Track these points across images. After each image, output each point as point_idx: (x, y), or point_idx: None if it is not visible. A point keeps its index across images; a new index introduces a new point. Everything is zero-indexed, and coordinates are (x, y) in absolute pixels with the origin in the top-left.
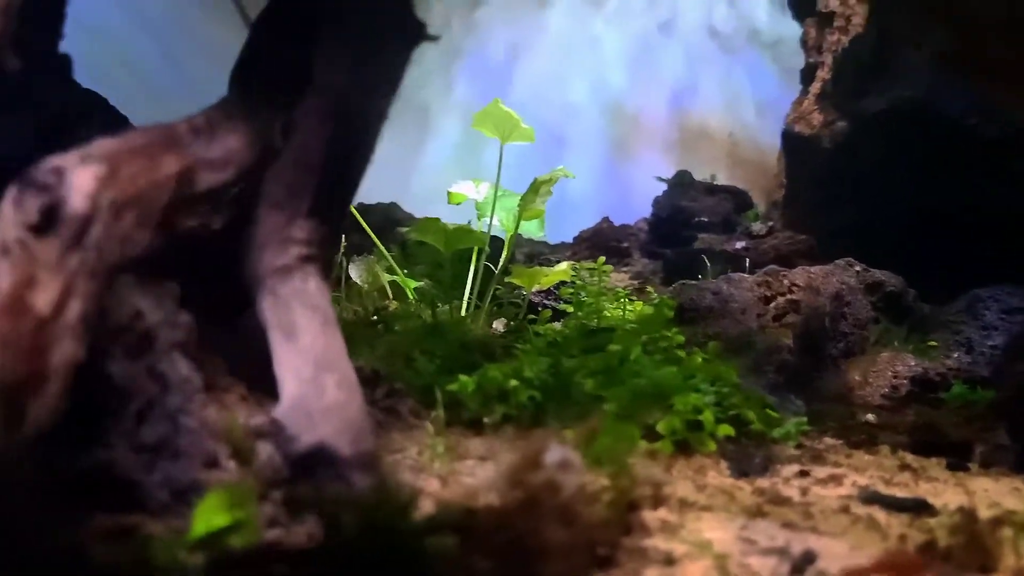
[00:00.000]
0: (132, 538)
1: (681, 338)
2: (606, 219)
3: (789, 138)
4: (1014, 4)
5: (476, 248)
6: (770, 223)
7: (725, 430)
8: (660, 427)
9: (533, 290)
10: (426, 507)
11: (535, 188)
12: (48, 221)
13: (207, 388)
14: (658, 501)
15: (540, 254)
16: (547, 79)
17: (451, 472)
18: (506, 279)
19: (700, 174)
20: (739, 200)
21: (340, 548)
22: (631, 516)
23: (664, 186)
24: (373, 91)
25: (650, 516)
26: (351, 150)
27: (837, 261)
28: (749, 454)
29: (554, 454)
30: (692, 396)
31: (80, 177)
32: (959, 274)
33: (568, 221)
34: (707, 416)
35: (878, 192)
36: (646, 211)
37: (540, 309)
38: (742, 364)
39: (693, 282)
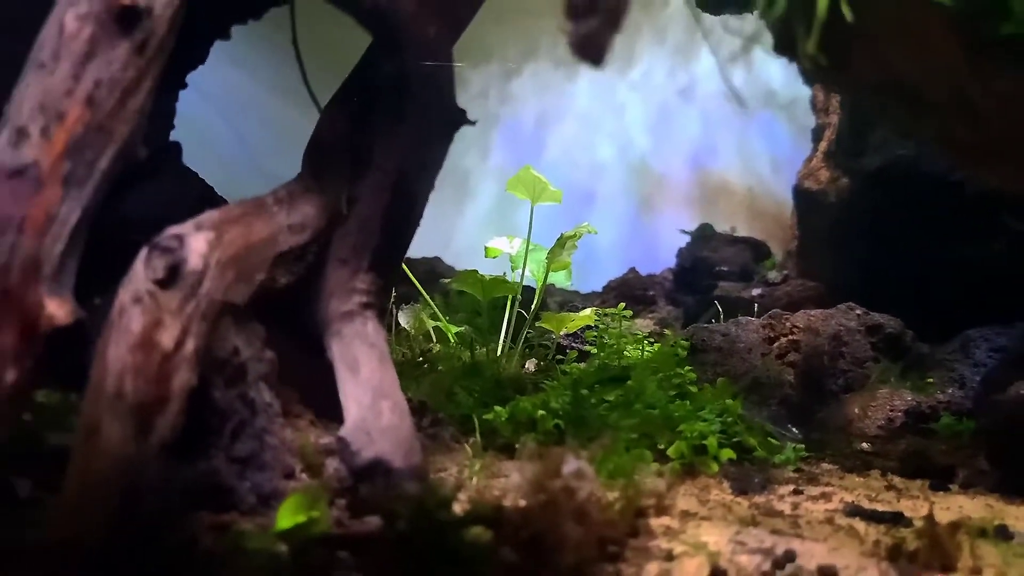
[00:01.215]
0: (229, 531)
1: (693, 375)
2: (632, 269)
3: (799, 193)
4: (956, 86)
5: (510, 296)
6: (785, 272)
7: (727, 454)
8: (670, 451)
9: (561, 333)
10: (463, 508)
11: (561, 243)
12: (171, 277)
13: (284, 413)
14: (662, 510)
15: (570, 302)
16: (576, 142)
17: (487, 487)
18: (537, 324)
19: (721, 227)
20: (757, 250)
21: (395, 536)
22: (638, 522)
23: (687, 238)
24: (423, 169)
25: (655, 522)
26: (404, 217)
27: (839, 306)
28: (750, 475)
29: (570, 465)
30: (699, 424)
31: (196, 242)
32: (955, 316)
33: (598, 272)
34: (711, 441)
35: (879, 243)
36: (670, 262)
37: (568, 350)
38: (748, 398)
39: (705, 324)
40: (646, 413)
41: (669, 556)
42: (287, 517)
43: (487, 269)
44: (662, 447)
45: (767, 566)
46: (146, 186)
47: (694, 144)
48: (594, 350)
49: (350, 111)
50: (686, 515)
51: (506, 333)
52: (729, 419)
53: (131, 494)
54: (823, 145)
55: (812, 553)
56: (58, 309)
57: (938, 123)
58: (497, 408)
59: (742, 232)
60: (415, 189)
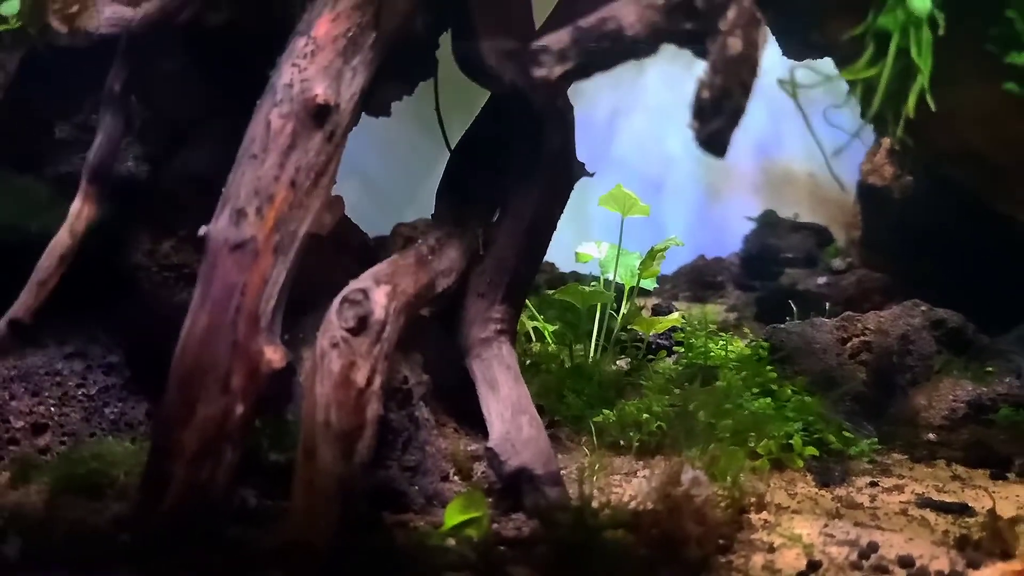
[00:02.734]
0: (407, 529)
1: (774, 374)
2: (701, 256)
3: (864, 188)
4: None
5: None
6: (849, 260)
7: (811, 451)
8: (760, 449)
9: (651, 334)
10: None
11: (652, 255)
12: (361, 326)
13: (435, 424)
14: (761, 506)
15: (646, 291)
16: (646, 135)
17: (605, 485)
18: (628, 326)
19: (784, 213)
20: (820, 236)
21: (555, 538)
22: (742, 517)
23: (752, 225)
24: (549, 213)
25: (755, 517)
26: (533, 255)
27: (905, 303)
28: (830, 468)
29: (688, 474)
30: (785, 424)
31: (378, 295)
32: (1015, 308)
33: (668, 258)
34: (796, 440)
35: (943, 238)
36: (736, 247)
37: (657, 349)
38: (824, 395)
39: (782, 326)
40: (737, 413)
41: (771, 548)
42: (454, 516)
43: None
44: (751, 444)
45: (854, 556)
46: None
47: (759, 134)
48: (682, 349)
49: (479, 158)
50: (780, 509)
51: (598, 333)
52: (809, 417)
53: (345, 504)
54: (886, 141)
55: (891, 544)
56: (274, 354)
57: (1004, 183)
58: (605, 411)
59: (805, 218)
60: (543, 231)
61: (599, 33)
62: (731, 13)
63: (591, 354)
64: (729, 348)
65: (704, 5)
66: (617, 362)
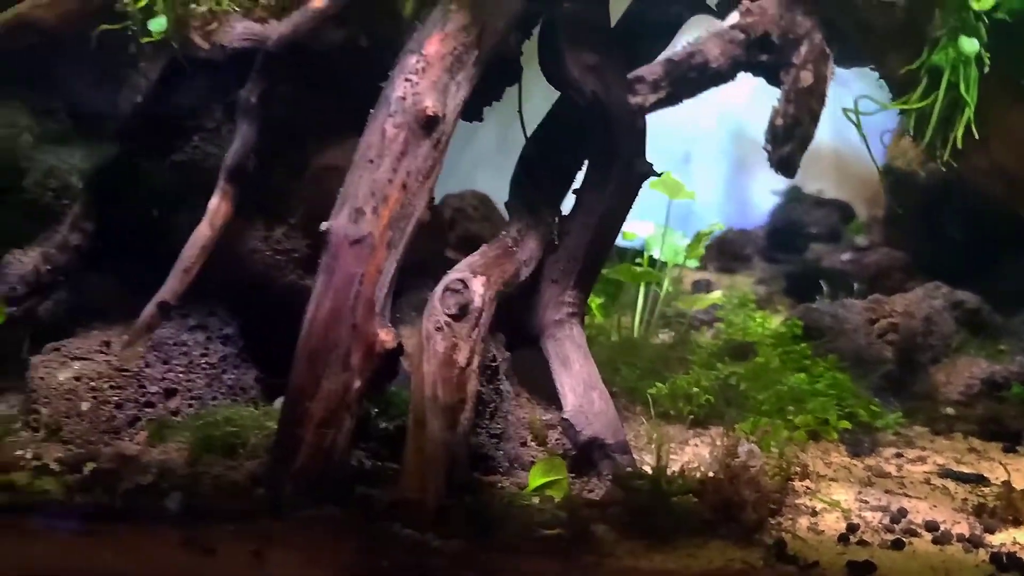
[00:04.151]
0: (497, 489)
1: (808, 351)
2: (730, 229)
3: (889, 171)
4: None
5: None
6: (871, 237)
7: (844, 424)
8: (797, 421)
9: (693, 310)
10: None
11: (699, 239)
12: (461, 312)
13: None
14: (804, 475)
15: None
16: (679, 111)
17: (664, 450)
18: (672, 302)
19: (809, 188)
20: (844, 212)
21: (627, 500)
22: (788, 485)
23: (777, 199)
24: (620, 208)
25: (799, 485)
26: (603, 245)
27: (927, 285)
28: (860, 440)
29: (744, 447)
30: (820, 399)
31: (476, 285)
32: None
33: (695, 228)
34: (832, 414)
35: (964, 222)
36: (760, 220)
37: (699, 325)
38: (854, 372)
39: (815, 306)
40: (777, 388)
41: (814, 512)
42: (537, 478)
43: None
44: (791, 417)
45: (887, 521)
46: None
47: None
48: (722, 325)
49: (551, 152)
50: (818, 477)
51: (643, 307)
52: (842, 392)
53: (451, 468)
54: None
55: (917, 510)
56: (386, 336)
57: None
58: (658, 384)
59: (829, 194)
60: (613, 226)
61: (688, 66)
62: (803, 48)
63: (636, 327)
64: (765, 324)
65: (780, 40)
66: (661, 336)
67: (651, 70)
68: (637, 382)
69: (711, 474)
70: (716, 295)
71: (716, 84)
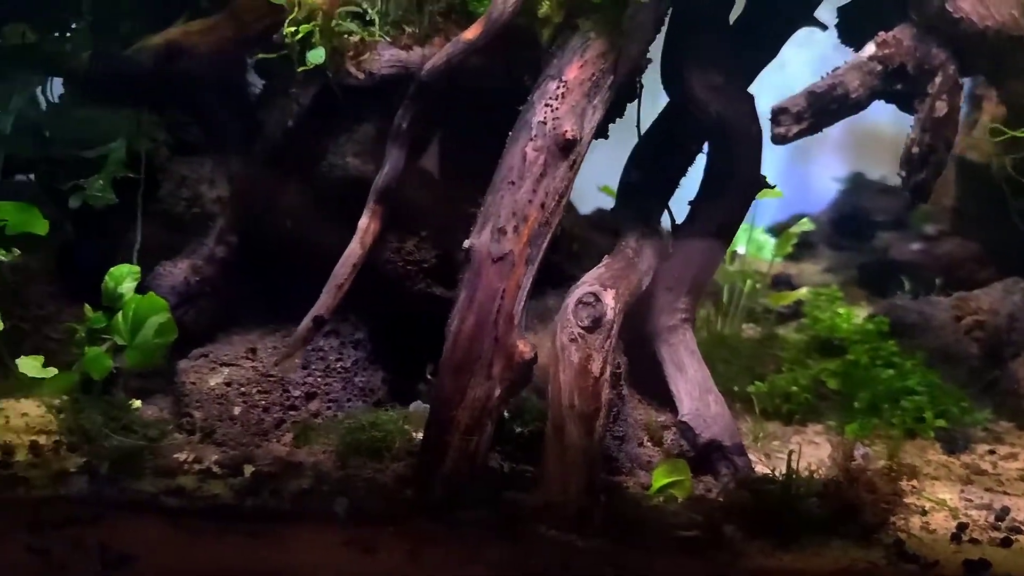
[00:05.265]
0: (623, 489)
1: (895, 348)
2: (796, 216)
3: (962, 163)
4: None
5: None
6: (939, 226)
7: (940, 423)
8: (895, 420)
9: (779, 305)
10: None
11: (787, 238)
12: (594, 324)
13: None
14: (912, 474)
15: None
16: None
17: (770, 451)
18: (758, 299)
19: (869, 172)
20: (908, 199)
21: (756, 503)
22: (899, 485)
23: (838, 185)
24: (734, 220)
25: (904, 484)
26: (716, 255)
27: (1006, 280)
28: (954, 437)
29: (860, 450)
30: (917, 398)
31: (607, 298)
32: None
33: (758, 215)
34: (928, 412)
35: None
36: (820, 205)
37: (785, 320)
38: (940, 369)
39: (900, 303)
40: (871, 387)
41: (923, 511)
42: (660, 478)
43: None
44: (887, 416)
45: (992, 519)
46: None
47: None
48: (808, 321)
49: (658, 160)
50: (920, 475)
51: (727, 302)
52: (932, 389)
53: (589, 471)
54: (985, 119)
55: (1019, 507)
56: (524, 347)
57: None
58: (758, 383)
59: (891, 179)
60: (727, 237)
61: (830, 97)
62: (938, 79)
63: (719, 322)
64: (851, 320)
65: (915, 71)
66: (748, 331)
67: (794, 102)
68: (734, 379)
69: (833, 478)
70: (803, 291)
71: (853, 113)
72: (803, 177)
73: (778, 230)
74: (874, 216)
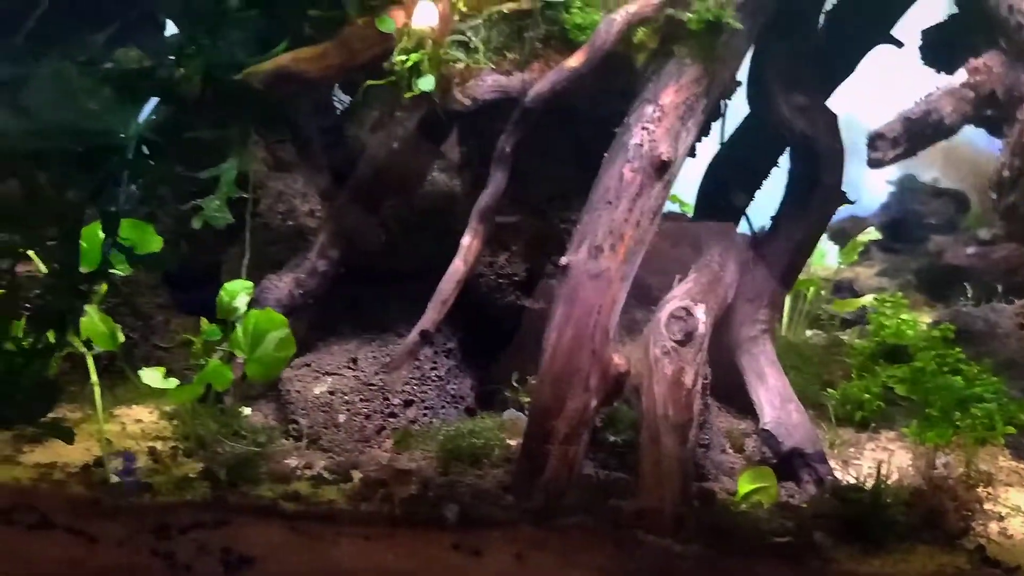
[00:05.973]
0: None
1: (962, 354)
2: (849, 218)
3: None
4: None
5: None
6: (993, 230)
7: (1009, 430)
8: (963, 426)
9: (844, 312)
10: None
11: (854, 246)
12: (687, 338)
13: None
14: (988, 481)
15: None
16: None
17: (846, 457)
18: (822, 306)
19: (919, 173)
20: (959, 202)
21: (845, 511)
22: (978, 493)
23: (889, 187)
24: (814, 234)
25: (981, 491)
26: (796, 268)
27: None
28: (1021, 443)
29: (942, 458)
30: (986, 405)
31: (698, 312)
32: None
33: None
34: (998, 419)
35: None
36: (870, 205)
37: (850, 326)
38: (1007, 375)
39: (965, 310)
40: (941, 393)
41: (1000, 517)
42: (746, 485)
43: None
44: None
45: None
46: None
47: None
48: (873, 328)
49: (740, 176)
50: (994, 481)
51: (793, 309)
52: (1000, 396)
53: (683, 479)
54: None
55: None
56: (619, 360)
57: None
58: (830, 391)
59: (941, 181)
60: (807, 251)
61: (925, 123)
62: None
63: (784, 327)
64: (915, 327)
65: (1005, 97)
66: (811, 337)
67: (891, 128)
68: (807, 386)
69: (917, 486)
70: (868, 299)
71: (946, 138)
72: (853, 179)
73: (834, 233)
74: (926, 219)
